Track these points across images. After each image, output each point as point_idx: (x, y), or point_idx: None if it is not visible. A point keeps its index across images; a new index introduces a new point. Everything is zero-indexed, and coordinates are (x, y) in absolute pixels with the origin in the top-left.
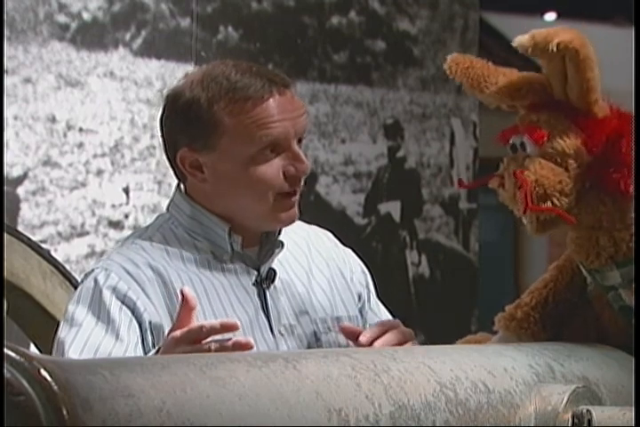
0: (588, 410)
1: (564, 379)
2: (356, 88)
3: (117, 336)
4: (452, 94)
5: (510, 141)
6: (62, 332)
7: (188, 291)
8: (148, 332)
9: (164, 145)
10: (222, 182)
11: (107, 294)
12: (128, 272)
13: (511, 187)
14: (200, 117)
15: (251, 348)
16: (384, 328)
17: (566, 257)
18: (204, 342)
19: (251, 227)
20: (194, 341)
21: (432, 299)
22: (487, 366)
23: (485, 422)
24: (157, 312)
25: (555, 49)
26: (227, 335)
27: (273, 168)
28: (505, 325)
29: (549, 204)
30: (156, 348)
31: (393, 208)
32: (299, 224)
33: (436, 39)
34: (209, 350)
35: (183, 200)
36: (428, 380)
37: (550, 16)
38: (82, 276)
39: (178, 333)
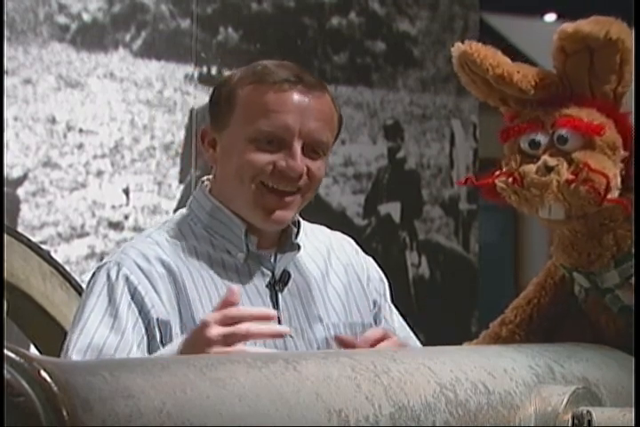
0: (588, 411)
1: (564, 380)
2: (356, 89)
3: (123, 335)
4: (452, 95)
5: (529, 138)
6: (70, 330)
7: (237, 289)
8: (156, 329)
9: None
10: (222, 161)
11: (117, 290)
12: (140, 267)
13: (555, 180)
14: (224, 95)
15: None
16: (377, 339)
17: (546, 272)
18: (239, 325)
19: (248, 219)
20: (229, 323)
21: (432, 300)
22: (487, 367)
23: (485, 422)
24: (165, 309)
25: (613, 38)
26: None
27: (263, 158)
28: (490, 343)
29: (610, 196)
30: (184, 336)
31: (393, 209)
32: (322, 229)
33: (436, 40)
34: (245, 333)
35: (204, 196)
36: (428, 381)
37: (550, 17)
38: (94, 268)
39: (215, 313)
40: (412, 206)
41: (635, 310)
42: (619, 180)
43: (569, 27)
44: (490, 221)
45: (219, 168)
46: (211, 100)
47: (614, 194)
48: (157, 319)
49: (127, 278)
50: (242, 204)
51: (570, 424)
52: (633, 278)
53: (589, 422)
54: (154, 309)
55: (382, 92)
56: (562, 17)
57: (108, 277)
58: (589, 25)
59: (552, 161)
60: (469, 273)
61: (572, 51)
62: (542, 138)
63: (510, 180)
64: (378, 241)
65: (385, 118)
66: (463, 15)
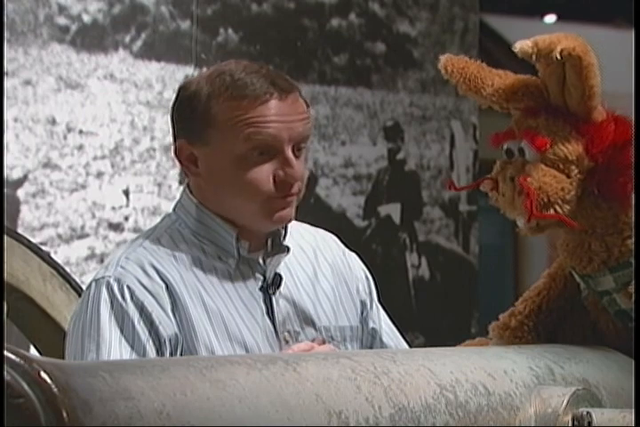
0: (588, 412)
1: (564, 381)
2: (356, 90)
3: (145, 353)
4: (452, 96)
5: (505, 146)
6: (89, 349)
7: None
8: (166, 345)
9: (173, 137)
10: (213, 178)
11: (127, 310)
12: (142, 283)
13: (508, 192)
14: (198, 110)
15: None
16: (305, 351)
17: (558, 264)
18: None
19: (247, 225)
20: None
21: (432, 301)
22: (487, 368)
23: (485, 424)
24: (171, 323)
25: (558, 56)
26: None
27: (262, 172)
28: (499, 334)
29: (552, 211)
30: None
31: (393, 210)
32: (306, 228)
33: (436, 41)
34: None
35: (190, 201)
36: (428, 382)
37: (550, 18)
38: (91, 282)
39: None
40: (412, 208)
41: (635, 311)
42: (572, 193)
43: (539, 39)
44: (490, 223)
45: (206, 182)
46: (179, 112)
47: (563, 208)
48: (166, 335)
49: (132, 297)
50: (247, 216)
51: (570, 425)
52: (631, 285)
53: (589, 423)
54: (161, 325)
55: (382, 94)
56: (562, 18)
57: (113, 295)
58: (544, 41)
59: (508, 173)
60: (469, 274)
61: (546, 62)
62: (514, 147)
63: (490, 186)
64: (378, 242)
65: (385, 119)
66: (463, 16)
